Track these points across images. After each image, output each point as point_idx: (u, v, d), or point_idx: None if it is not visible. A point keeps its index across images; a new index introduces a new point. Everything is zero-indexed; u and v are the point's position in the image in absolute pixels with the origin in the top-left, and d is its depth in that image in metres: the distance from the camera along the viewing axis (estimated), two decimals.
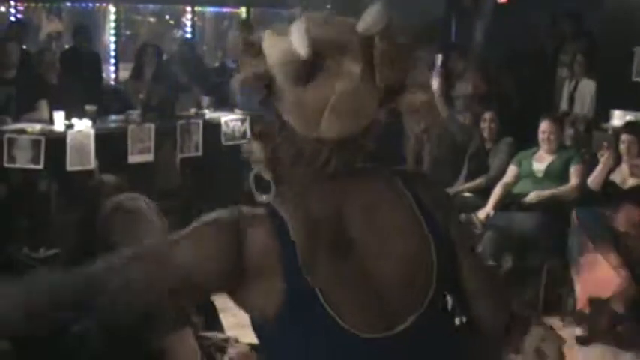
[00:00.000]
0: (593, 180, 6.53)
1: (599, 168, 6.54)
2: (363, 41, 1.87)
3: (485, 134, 7.54)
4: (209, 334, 3.54)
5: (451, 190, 7.16)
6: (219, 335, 3.60)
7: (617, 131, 6.90)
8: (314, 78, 1.84)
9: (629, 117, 7.68)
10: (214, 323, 3.80)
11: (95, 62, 9.70)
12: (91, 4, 10.95)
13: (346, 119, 1.89)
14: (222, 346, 3.47)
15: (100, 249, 3.34)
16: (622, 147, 6.46)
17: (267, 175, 1.94)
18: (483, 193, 7.12)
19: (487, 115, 7.54)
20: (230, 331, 3.81)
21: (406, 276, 1.97)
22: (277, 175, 1.95)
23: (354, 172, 1.98)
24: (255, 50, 1.92)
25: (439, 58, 7.30)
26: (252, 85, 1.92)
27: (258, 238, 1.87)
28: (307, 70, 1.83)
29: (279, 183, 1.95)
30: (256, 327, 1.99)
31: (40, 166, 7.12)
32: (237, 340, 3.56)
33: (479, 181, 7.32)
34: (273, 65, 1.88)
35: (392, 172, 2.06)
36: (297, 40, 1.80)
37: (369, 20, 1.85)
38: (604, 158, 6.53)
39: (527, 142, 7.18)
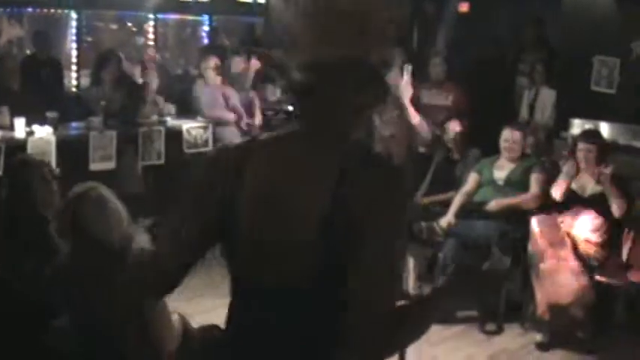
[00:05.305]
0: (556, 189, 6.58)
1: (562, 177, 6.59)
2: None
3: (451, 145, 7.56)
4: None
5: (420, 200, 7.24)
6: None
7: (576, 139, 6.97)
8: None
9: (588, 125, 7.77)
10: None
11: (56, 69, 9.62)
12: (52, 10, 10.86)
13: None
14: None
15: (65, 235, 3.59)
16: (579, 155, 6.52)
17: None
18: (446, 202, 7.13)
19: (450, 126, 7.56)
20: None
21: (296, 243, 2.09)
22: None
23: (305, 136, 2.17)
24: None
25: (409, 68, 7.17)
26: None
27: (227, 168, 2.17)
28: None
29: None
30: None
31: (0, 173, 7.05)
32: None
33: (450, 194, 7.16)
34: None
35: (342, 148, 2.14)
36: None
37: None
38: (566, 167, 6.59)
39: (490, 150, 7.22)
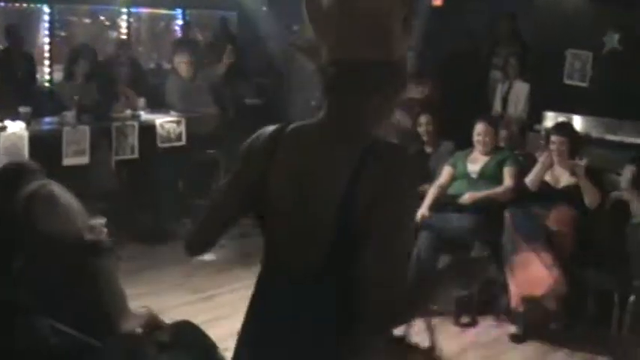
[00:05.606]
0: (531, 179, 6.62)
1: (537, 167, 6.62)
2: None
3: (425, 138, 7.58)
4: None
5: None
6: None
7: (549, 132, 7.00)
8: None
9: (561, 118, 7.81)
10: None
11: (29, 63, 9.58)
12: (25, 4, 10.79)
13: None
14: None
15: (19, 233, 3.60)
16: (552, 148, 6.57)
17: None
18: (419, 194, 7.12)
19: (423, 119, 7.58)
20: None
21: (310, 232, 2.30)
22: None
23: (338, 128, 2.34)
24: None
25: None
26: None
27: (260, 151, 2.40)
28: None
29: None
30: None
31: None
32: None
33: (424, 187, 7.10)
34: None
35: (362, 142, 2.28)
36: None
37: None
38: (542, 158, 6.63)
39: (463, 143, 7.24)
